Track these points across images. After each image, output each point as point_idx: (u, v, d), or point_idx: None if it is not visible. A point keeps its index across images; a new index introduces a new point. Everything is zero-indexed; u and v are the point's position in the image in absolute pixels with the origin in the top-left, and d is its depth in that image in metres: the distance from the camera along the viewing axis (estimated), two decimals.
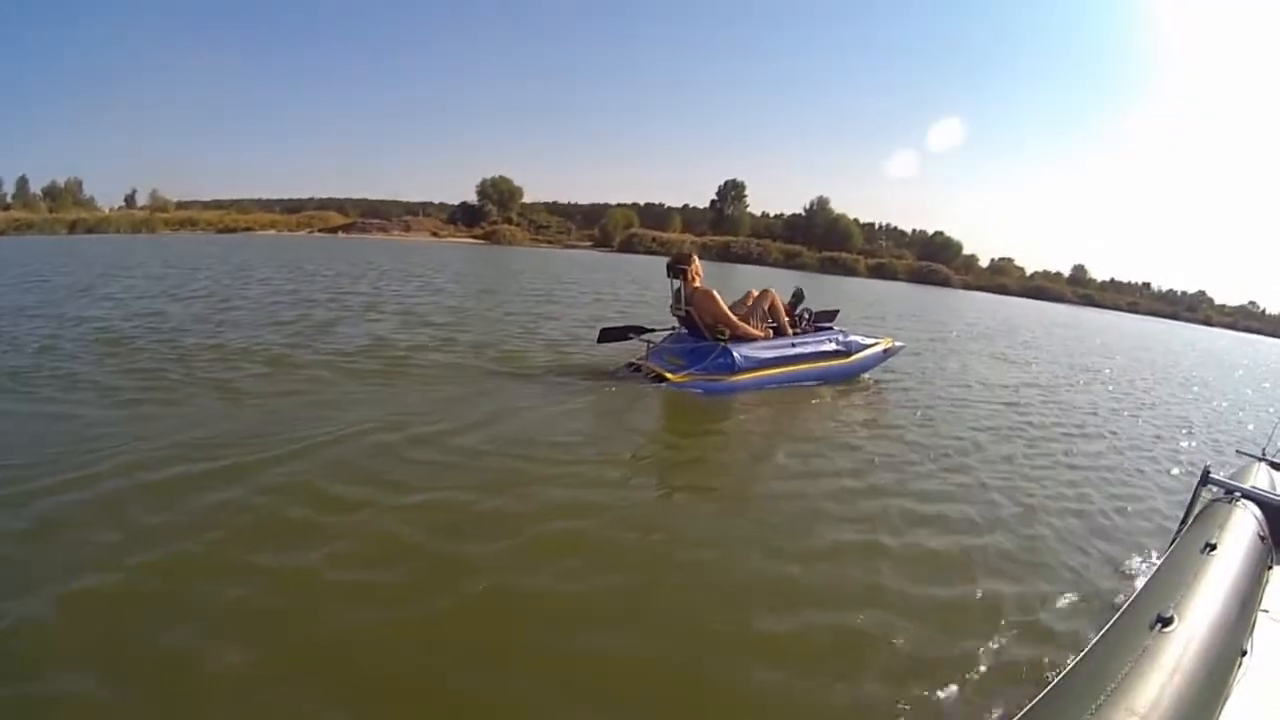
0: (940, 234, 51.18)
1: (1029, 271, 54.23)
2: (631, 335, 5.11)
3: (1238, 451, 3.30)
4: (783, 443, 3.72)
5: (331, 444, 2.95)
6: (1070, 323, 23.15)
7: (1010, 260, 54.33)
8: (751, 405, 4.44)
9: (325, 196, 61.50)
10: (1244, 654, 1.41)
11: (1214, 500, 2.20)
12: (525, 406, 3.92)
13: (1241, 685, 1.32)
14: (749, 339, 4.83)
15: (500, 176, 51.39)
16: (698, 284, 4.89)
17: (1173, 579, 1.53)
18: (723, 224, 49.28)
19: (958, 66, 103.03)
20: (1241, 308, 63.45)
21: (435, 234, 55.71)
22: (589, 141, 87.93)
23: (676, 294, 4.94)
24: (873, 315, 12.55)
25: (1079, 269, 56.09)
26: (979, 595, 2.18)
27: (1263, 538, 1.96)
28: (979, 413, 5.02)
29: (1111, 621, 1.39)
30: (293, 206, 59.51)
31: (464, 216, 53.85)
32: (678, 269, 4.90)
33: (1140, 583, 1.73)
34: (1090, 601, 2.25)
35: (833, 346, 5.26)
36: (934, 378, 6.42)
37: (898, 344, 6.05)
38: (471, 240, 51.82)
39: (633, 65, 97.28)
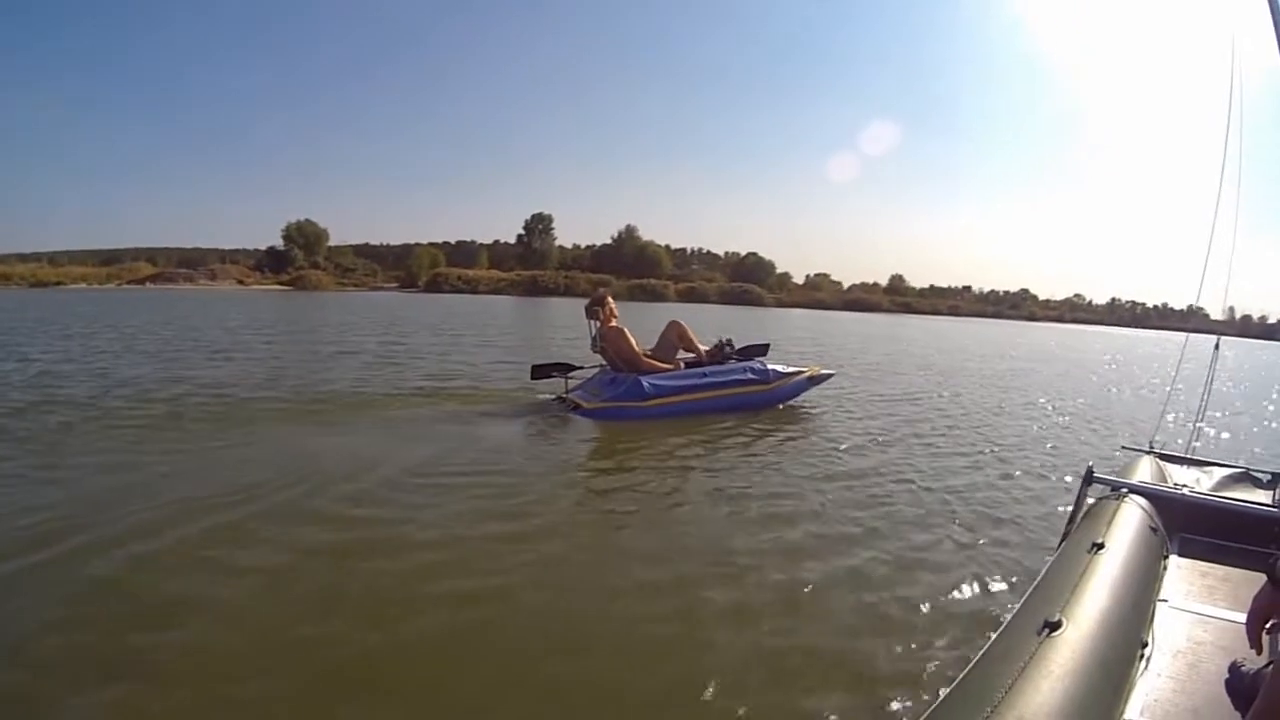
0: (753, 255, 53.42)
1: (846, 285, 56.55)
2: (555, 374, 5.62)
3: (1123, 447, 3.24)
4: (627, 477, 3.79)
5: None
6: (889, 334, 22.39)
7: (826, 276, 56.83)
8: (649, 432, 4.72)
9: (141, 246, 60.67)
10: (1145, 646, 1.42)
11: (1101, 499, 2.17)
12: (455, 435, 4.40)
13: (1144, 678, 1.33)
14: (655, 371, 5.28)
15: (306, 220, 50.36)
16: (612, 323, 5.38)
17: (1060, 583, 1.51)
18: (531, 258, 49.71)
19: (769, 89, 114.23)
20: (1067, 300, 68.51)
21: (241, 282, 53.89)
22: (400, 180, 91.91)
23: (594, 335, 5.46)
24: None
25: (896, 278, 59.35)
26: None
27: (1154, 530, 1.96)
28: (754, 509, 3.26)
29: (996, 634, 1.36)
30: (110, 257, 57.47)
31: (270, 262, 52.27)
32: (593, 310, 5.43)
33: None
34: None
35: (748, 375, 5.61)
36: (713, 438, 4.67)
37: (824, 371, 6.34)
38: (278, 287, 50.21)
39: (441, 100, 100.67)
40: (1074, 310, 66.85)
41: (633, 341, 5.33)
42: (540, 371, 5.60)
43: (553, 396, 5.53)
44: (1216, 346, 2.48)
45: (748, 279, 51.21)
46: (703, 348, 5.70)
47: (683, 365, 5.54)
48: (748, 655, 1.90)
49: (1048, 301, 66.49)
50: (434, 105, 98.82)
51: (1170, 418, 4.11)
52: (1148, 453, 2.76)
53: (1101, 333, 43.17)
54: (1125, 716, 1.24)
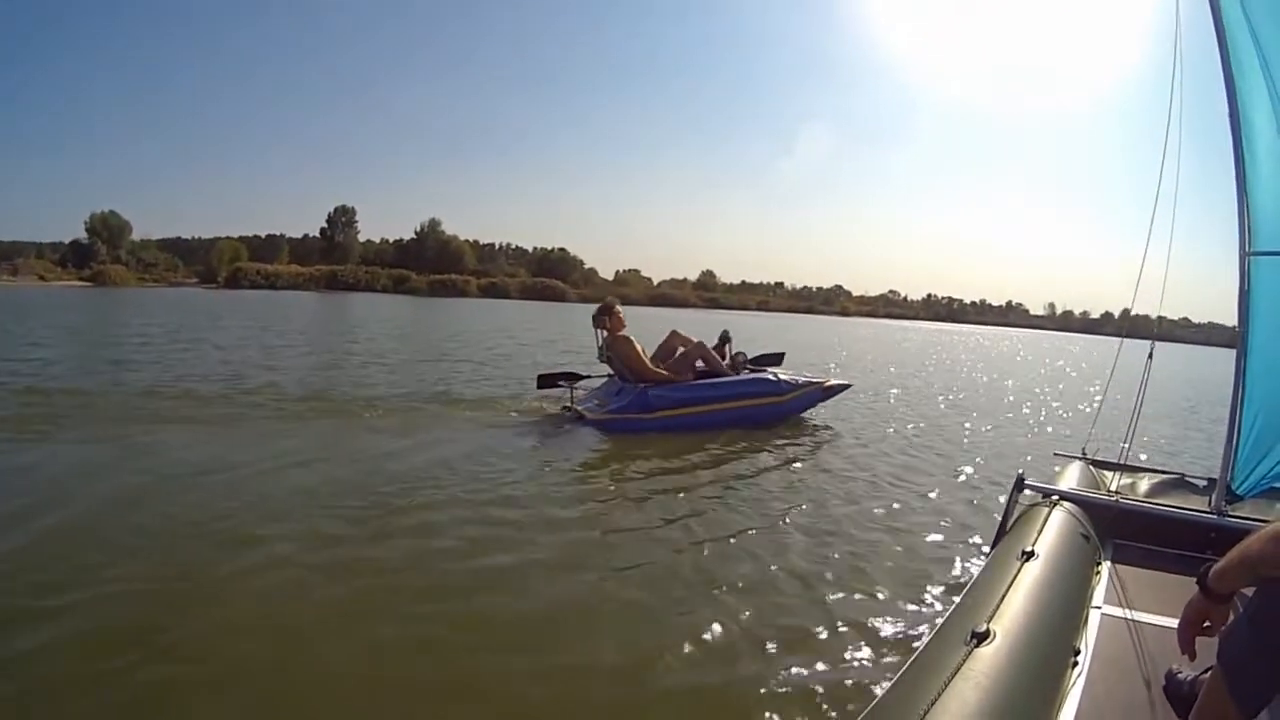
0: (561, 250, 56.06)
1: (656, 281, 60.28)
2: (562, 383, 5.65)
3: (1055, 453, 3.24)
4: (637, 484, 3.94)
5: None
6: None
7: (636, 271, 60.59)
8: (648, 445, 4.75)
9: None
10: (1077, 654, 1.45)
11: (1032, 505, 2.24)
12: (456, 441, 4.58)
13: (1077, 686, 1.35)
14: (664, 382, 5.35)
15: (110, 211, 50.43)
16: (620, 333, 5.47)
17: (989, 592, 1.55)
18: (334, 252, 51.12)
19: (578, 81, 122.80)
20: (882, 296, 74.67)
21: (42, 278, 53.40)
22: (212, 172, 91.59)
23: (601, 344, 5.57)
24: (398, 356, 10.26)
25: (707, 274, 63.57)
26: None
27: (1086, 536, 2.02)
28: None
29: (922, 647, 1.40)
30: None
31: (75, 257, 51.94)
32: (600, 319, 5.51)
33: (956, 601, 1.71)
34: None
35: (759, 387, 5.62)
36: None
37: (837, 382, 6.34)
38: (78, 283, 50.04)
39: (254, 83, 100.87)
40: (888, 305, 73.18)
41: (640, 351, 5.41)
42: (546, 381, 5.69)
43: (558, 406, 5.59)
44: (1150, 355, 2.40)
45: (552, 274, 54.06)
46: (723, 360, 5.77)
47: (693, 376, 5.56)
48: (660, 679, 1.93)
49: (862, 297, 72.55)
50: (248, 91, 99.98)
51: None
52: (1080, 459, 2.78)
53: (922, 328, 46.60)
54: None
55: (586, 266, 57.70)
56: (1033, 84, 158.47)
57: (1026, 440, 6.26)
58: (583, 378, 5.73)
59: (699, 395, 5.37)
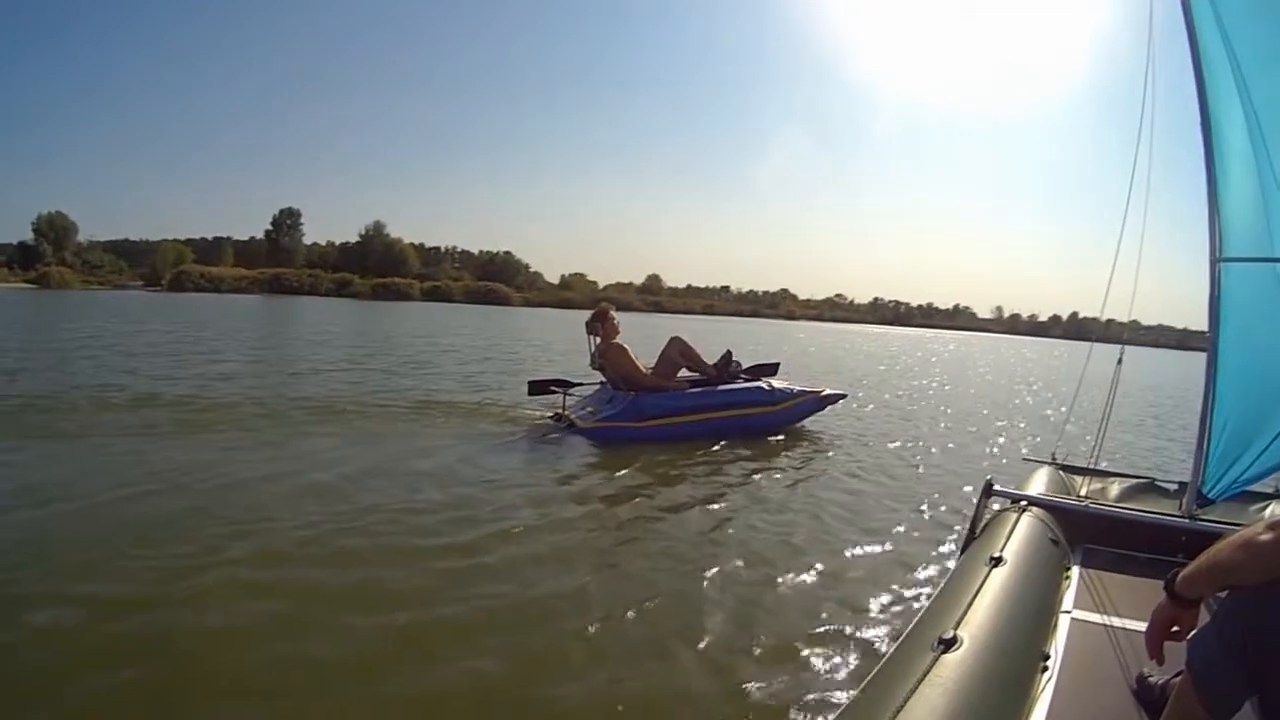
0: (506, 253, 57.28)
1: (602, 285, 61.70)
2: (555, 389, 5.65)
3: (1024, 458, 3.26)
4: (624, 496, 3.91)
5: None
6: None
7: (582, 275, 61.83)
8: (642, 454, 4.70)
9: None
10: (1046, 659, 1.47)
11: (1001, 511, 2.27)
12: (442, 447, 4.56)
13: (1046, 691, 1.35)
14: (656, 390, 5.38)
15: (56, 212, 50.86)
16: (614, 340, 5.46)
17: (956, 598, 1.56)
18: (278, 255, 51.87)
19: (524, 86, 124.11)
20: (828, 300, 76.72)
21: None
22: (164, 175, 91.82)
23: (594, 351, 5.58)
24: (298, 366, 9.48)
25: (653, 278, 65.14)
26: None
27: (1055, 541, 2.05)
28: None
29: (889, 654, 1.42)
30: None
31: (21, 258, 52.33)
32: (594, 326, 5.52)
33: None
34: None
35: (753, 396, 5.64)
36: None
37: (832, 392, 6.38)
38: (24, 285, 50.39)
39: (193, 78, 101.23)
40: (834, 309, 75.25)
41: (634, 358, 5.42)
42: (538, 387, 5.69)
43: (549, 413, 5.60)
44: (1120, 361, 2.40)
45: (497, 278, 55.22)
46: (709, 365, 5.77)
47: (687, 385, 5.61)
48: (606, 692, 1.90)
49: (808, 301, 74.53)
50: (198, 90, 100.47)
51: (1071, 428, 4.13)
52: (1049, 464, 2.79)
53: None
54: None
55: (532, 270, 59.57)
56: (991, 87, 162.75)
57: (996, 444, 6.37)
58: (575, 385, 5.74)
59: (692, 404, 5.40)
